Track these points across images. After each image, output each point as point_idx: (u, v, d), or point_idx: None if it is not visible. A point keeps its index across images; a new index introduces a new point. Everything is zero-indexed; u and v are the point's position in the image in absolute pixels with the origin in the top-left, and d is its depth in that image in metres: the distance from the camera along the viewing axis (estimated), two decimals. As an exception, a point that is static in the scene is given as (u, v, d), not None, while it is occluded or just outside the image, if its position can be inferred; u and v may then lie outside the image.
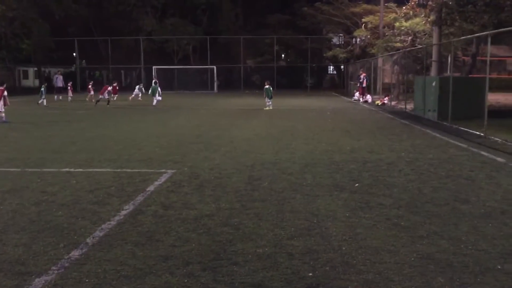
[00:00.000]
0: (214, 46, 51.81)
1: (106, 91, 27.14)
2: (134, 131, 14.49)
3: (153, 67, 48.27)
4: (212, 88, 49.07)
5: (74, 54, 51.42)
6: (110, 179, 7.58)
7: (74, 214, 5.80)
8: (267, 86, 24.01)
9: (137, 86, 32.96)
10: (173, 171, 8.32)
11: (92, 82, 34.49)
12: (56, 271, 4.16)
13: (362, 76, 31.08)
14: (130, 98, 31.38)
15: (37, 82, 53.36)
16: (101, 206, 6.09)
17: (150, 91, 26.71)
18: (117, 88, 31.16)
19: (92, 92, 31.71)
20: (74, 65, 52.30)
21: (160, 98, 25.94)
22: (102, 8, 50.61)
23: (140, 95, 32.04)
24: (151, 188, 7.09)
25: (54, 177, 7.75)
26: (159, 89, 26.17)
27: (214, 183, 7.38)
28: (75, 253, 4.55)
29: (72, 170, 8.38)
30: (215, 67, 49.07)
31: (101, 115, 20.86)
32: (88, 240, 4.90)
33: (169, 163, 9.10)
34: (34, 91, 39.40)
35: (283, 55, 63.09)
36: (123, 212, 5.84)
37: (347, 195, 6.66)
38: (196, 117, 19.63)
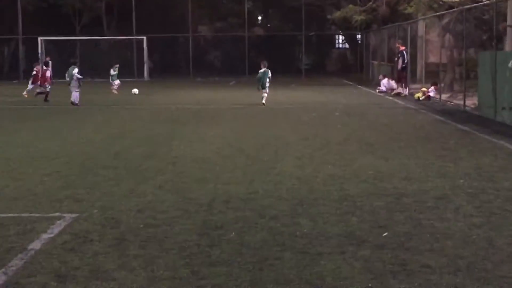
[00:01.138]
0: (142, 2, 51.87)
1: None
2: (7, 148, 14.27)
3: (39, 38, 47.81)
4: (141, 74, 48.93)
5: None
6: (-35, 232, 7.46)
7: None
8: (263, 70, 25.85)
9: (112, 69, 35.19)
10: (73, 215, 8.19)
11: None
12: None
13: (399, 52, 31.43)
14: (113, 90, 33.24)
15: None
16: None
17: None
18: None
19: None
20: None
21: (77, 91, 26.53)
22: None
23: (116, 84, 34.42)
24: (36, 245, 6.97)
25: None
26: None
27: (145, 236, 7.30)
28: None
29: None
30: (144, 37, 49.10)
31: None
32: None
33: (66, 202, 8.97)
34: None
35: (259, 18, 63.56)
36: (-13, 288, 5.74)
37: (369, 252, 6.66)
38: (113, 123, 19.48)
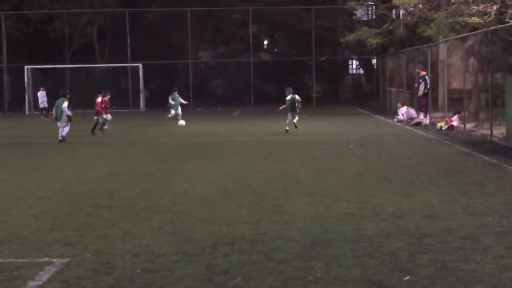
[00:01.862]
0: (138, 27, 52.26)
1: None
2: (-9, 187, 14.33)
3: (25, 66, 48.11)
4: (137, 104, 49.12)
5: None
6: None
7: None
8: (289, 97, 28.18)
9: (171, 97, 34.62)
10: (64, 260, 8.19)
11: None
12: None
13: (420, 77, 31.47)
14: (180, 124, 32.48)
15: None
16: None
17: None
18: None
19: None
20: None
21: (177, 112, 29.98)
22: None
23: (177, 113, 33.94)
24: (22, 294, 6.97)
25: None
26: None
27: (142, 282, 7.29)
28: None
29: None
30: (140, 64, 49.34)
31: None
32: None
33: (56, 245, 8.97)
34: None
35: (265, 42, 63.87)
36: None
37: (389, 298, 6.64)
38: (106, 159, 19.53)
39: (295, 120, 28.08)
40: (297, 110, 28.21)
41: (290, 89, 28.38)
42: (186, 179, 14.97)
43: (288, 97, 28.08)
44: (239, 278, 7.37)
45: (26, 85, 48.09)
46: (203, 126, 32.12)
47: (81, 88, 49.07)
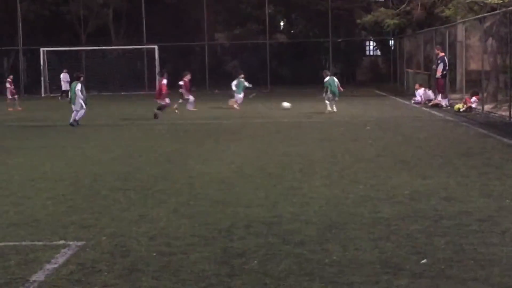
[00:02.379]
0: (153, 8, 52.27)
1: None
2: (5, 169, 14.37)
3: (41, 48, 48.27)
4: (153, 86, 49.10)
5: None
6: (-39, 262, 7.51)
7: None
8: (327, 78, 28.45)
9: (236, 82, 33.07)
10: (79, 243, 8.23)
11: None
12: None
13: (439, 58, 31.24)
14: (232, 103, 31.99)
15: None
16: None
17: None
18: None
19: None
20: None
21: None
22: None
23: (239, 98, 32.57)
24: (39, 276, 6.99)
25: None
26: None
27: (158, 265, 7.30)
28: None
29: None
30: (156, 46, 49.37)
31: None
32: None
33: (72, 228, 9.01)
34: None
35: (281, 23, 63.67)
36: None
37: (406, 281, 6.62)
38: (122, 142, 19.58)
39: (332, 105, 28.16)
40: (336, 92, 28.26)
41: (328, 72, 28.78)
42: (202, 162, 14.99)
43: (326, 79, 28.33)
44: (255, 261, 7.37)
45: (41, 67, 48.25)
46: (219, 108, 32.11)
47: (97, 71, 49.31)
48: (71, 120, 24.23)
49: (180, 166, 14.47)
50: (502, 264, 7.13)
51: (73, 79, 25.94)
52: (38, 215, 9.87)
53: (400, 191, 11.12)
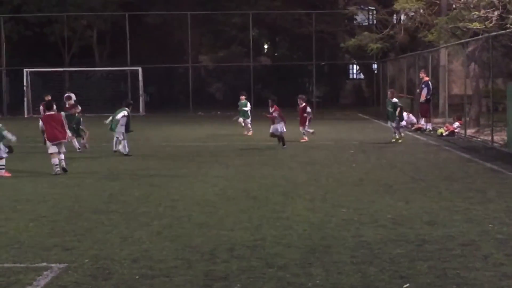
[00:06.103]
0: (137, 30, 52.29)
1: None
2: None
3: (25, 69, 48.11)
4: (136, 108, 48.99)
5: None
6: None
7: None
8: (393, 101, 25.52)
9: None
10: (62, 265, 8.22)
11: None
12: None
13: (423, 83, 31.32)
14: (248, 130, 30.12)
15: None
16: None
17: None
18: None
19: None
20: None
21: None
22: None
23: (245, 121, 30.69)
24: (20, 299, 6.97)
25: None
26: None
27: (141, 288, 7.31)
28: None
29: None
30: (140, 68, 49.28)
31: None
32: None
33: (54, 250, 8.99)
34: None
35: (265, 46, 63.89)
36: None
37: (389, 305, 6.64)
38: (105, 163, 19.52)
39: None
40: (397, 116, 25.37)
41: (393, 91, 26.55)
42: (185, 184, 14.98)
43: (394, 101, 25.85)
44: (238, 285, 7.37)
45: (25, 88, 48.06)
46: (202, 131, 32.08)
47: (80, 92, 49.06)
48: (126, 152, 21.22)
49: (163, 188, 14.44)
50: (484, 288, 7.17)
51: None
52: (20, 237, 9.83)
53: (383, 215, 11.16)
